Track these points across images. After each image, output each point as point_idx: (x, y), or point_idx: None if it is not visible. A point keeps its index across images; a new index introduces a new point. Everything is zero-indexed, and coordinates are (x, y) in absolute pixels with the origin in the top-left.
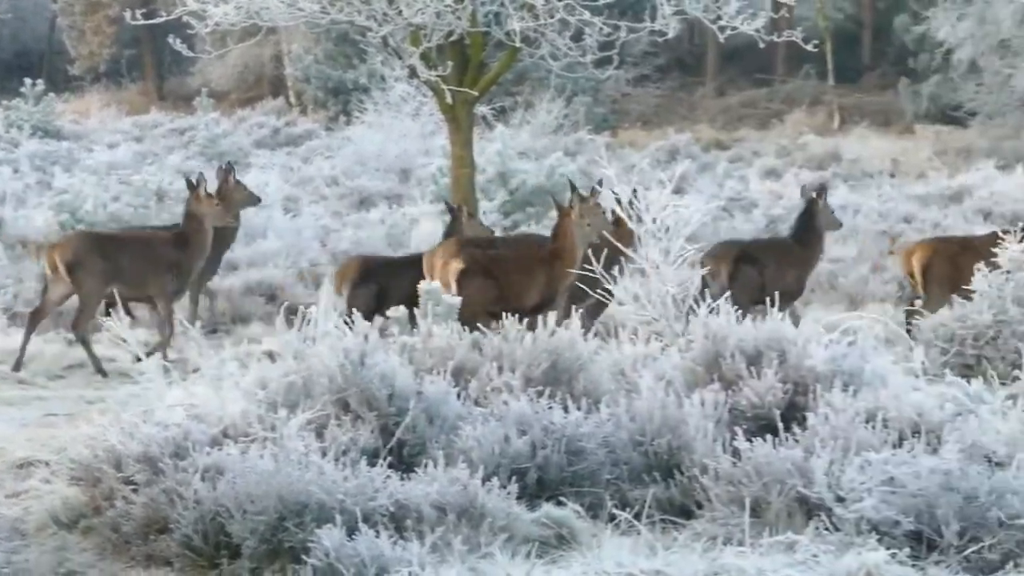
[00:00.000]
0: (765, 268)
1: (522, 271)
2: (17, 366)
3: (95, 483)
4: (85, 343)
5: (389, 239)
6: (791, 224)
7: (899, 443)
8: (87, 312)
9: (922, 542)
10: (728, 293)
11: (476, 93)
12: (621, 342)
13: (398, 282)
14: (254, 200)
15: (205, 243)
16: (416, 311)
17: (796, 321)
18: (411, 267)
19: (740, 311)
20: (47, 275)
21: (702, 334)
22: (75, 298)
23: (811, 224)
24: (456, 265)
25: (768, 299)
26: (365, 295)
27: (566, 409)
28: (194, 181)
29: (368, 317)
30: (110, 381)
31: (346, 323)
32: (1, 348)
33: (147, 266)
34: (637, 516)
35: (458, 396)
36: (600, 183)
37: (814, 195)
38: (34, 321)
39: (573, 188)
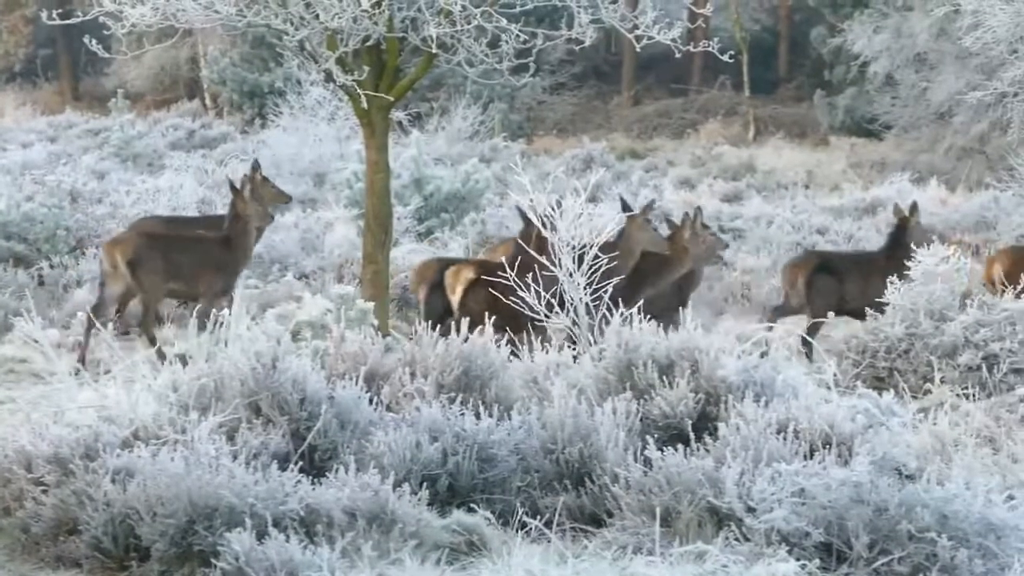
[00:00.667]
0: (845, 280)
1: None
2: (82, 362)
3: (5, 484)
4: (152, 340)
5: (303, 243)
6: (884, 239)
7: (810, 455)
8: (150, 310)
9: (832, 554)
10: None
11: (392, 98)
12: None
13: None
14: (284, 198)
15: (250, 244)
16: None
17: None
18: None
19: (816, 320)
20: (105, 271)
21: (615, 343)
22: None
23: (902, 240)
24: (467, 274)
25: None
26: (442, 297)
27: (478, 416)
28: (237, 185)
29: (442, 319)
30: (21, 381)
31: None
32: None
33: (199, 265)
34: (548, 524)
35: (370, 401)
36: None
37: (906, 213)
38: (93, 318)
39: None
